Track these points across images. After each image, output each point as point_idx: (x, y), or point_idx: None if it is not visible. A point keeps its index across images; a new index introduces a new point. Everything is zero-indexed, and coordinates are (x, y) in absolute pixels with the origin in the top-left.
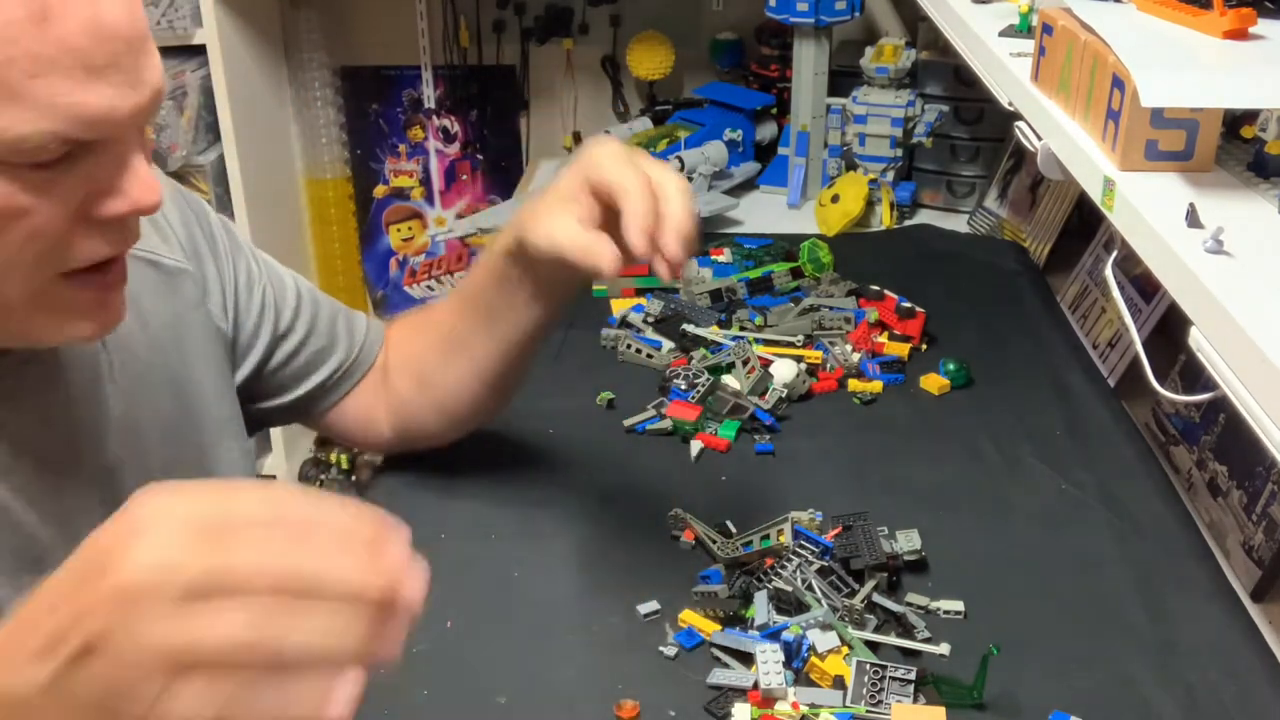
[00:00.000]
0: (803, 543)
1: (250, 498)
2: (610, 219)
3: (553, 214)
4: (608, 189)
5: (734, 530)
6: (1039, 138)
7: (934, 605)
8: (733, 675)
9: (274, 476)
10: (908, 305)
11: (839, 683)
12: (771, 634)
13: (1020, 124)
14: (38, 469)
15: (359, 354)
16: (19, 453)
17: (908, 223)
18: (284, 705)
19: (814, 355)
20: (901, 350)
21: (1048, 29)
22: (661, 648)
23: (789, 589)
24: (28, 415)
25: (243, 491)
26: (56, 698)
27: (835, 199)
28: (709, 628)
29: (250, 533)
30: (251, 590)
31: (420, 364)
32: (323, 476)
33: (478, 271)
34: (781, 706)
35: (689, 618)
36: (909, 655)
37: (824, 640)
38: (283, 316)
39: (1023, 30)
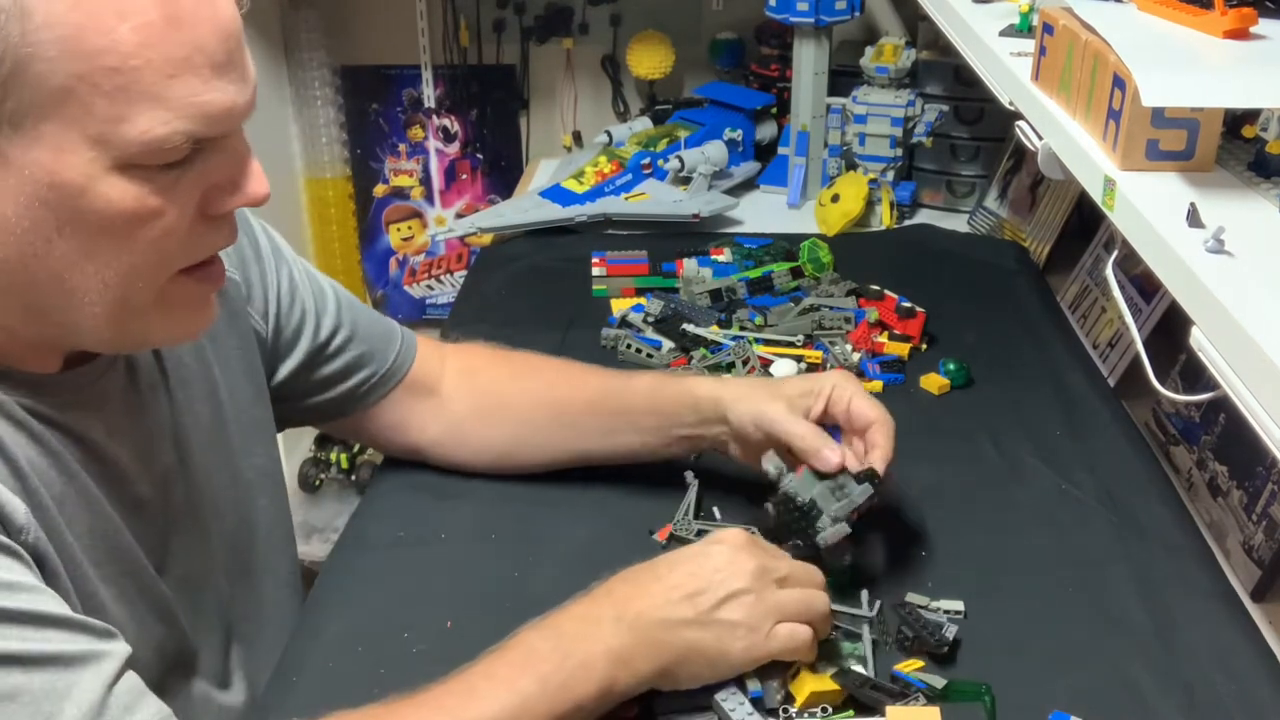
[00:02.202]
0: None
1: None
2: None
3: (788, 405)
4: (862, 418)
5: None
6: (1039, 137)
7: (934, 605)
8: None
9: None
10: (908, 305)
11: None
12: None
13: (1020, 124)
14: (110, 474)
15: (392, 364)
16: (95, 457)
17: (908, 223)
18: (807, 645)
19: (814, 355)
20: (901, 350)
21: (1048, 29)
22: None
23: None
24: (105, 423)
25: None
26: (696, 623)
27: (835, 199)
28: None
29: (779, 558)
30: (797, 583)
31: (515, 421)
32: (323, 476)
33: (636, 387)
34: None
35: None
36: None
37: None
38: (323, 324)
39: (1023, 30)
